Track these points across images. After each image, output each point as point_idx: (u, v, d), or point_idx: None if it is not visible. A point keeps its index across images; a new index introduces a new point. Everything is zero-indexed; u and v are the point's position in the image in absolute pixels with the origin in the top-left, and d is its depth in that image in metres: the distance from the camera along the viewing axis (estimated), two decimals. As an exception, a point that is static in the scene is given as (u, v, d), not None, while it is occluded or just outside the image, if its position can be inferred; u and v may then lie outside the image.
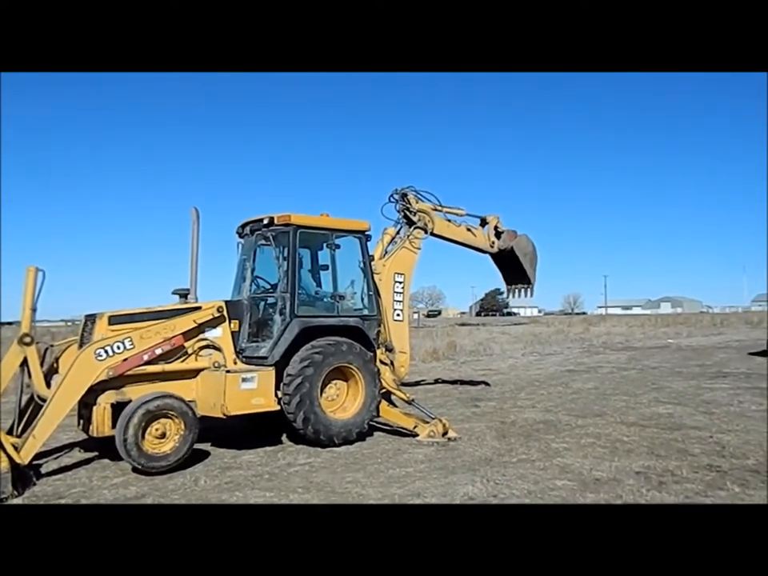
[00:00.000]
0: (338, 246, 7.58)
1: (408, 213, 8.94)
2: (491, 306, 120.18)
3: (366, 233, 7.81)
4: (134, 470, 5.90)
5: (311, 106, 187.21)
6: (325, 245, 7.64)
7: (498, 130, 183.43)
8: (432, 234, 9.04)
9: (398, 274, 8.51)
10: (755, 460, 5.89)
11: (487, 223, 10.17)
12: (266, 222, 7.25)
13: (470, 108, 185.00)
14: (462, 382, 12.61)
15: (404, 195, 8.96)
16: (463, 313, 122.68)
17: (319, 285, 7.97)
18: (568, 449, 6.54)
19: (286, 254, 7.17)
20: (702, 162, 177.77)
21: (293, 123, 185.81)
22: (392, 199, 9.00)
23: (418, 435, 7.15)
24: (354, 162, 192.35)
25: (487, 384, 12.36)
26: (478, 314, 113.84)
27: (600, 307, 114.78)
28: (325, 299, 7.66)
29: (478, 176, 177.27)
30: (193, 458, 6.21)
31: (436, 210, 9.22)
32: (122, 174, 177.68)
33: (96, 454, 6.69)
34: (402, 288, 8.51)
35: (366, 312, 7.76)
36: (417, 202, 8.97)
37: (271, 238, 7.19)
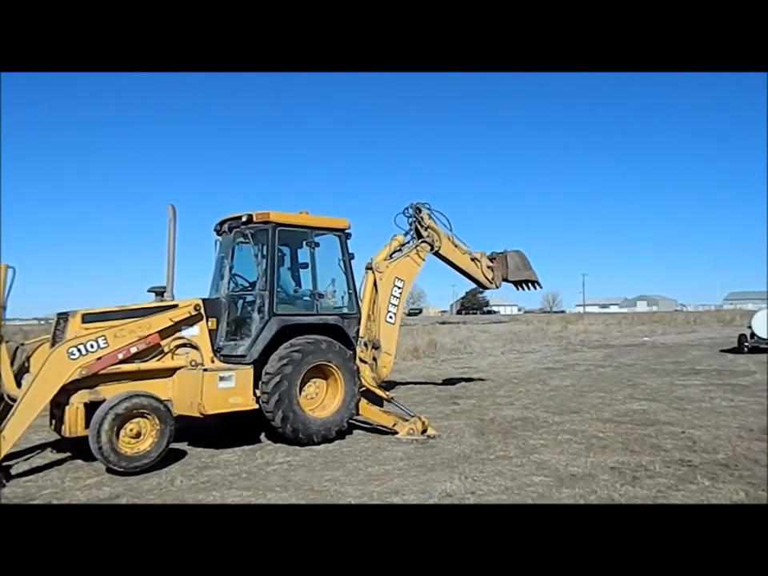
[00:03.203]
0: (317, 244, 7.55)
1: (419, 226, 9.05)
2: (472, 305, 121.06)
3: (346, 231, 7.81)
4: (109, 470, 5.81)
5: (288, 103, 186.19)
6: (304, 243, 7.61)
7: (476, 128, 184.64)
8: (436, 253, 9.14)
9: (399, 279, 8.59)
10: (725, 454, 6.05)
11: (478, 260, 9.98)
12: (244, 219, 7.18)
13: (448, 107, 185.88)
14: (442, 380, 12.68)
15: (418, 210, 9.05)
16: (444, 311, 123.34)
17: (298, 283, 7.92)
18: (545, 445, 6.63)
19: (264, 252, 7.12)
20: (679, 161, 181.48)
21: (276, 120, 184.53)
22: (406, 213, 9.08)
23: (397, 433, 7.17)
24: (337, 160, 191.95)
25: (467, 381, 12.45)
26: (458, 313, 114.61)
27: (578, 305, 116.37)
28: (304, 297, 7.62)
29: (455, 175, 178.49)
30: (169, 457, 6.14)
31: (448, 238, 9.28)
32: (98, 170, 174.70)
33: (68, 454, 6.55)
34: (400, 293, 8.57)
35: (345, 310, 7.76)
36: (428, 219, 9.07)
37: (250, 235, 7.13)
